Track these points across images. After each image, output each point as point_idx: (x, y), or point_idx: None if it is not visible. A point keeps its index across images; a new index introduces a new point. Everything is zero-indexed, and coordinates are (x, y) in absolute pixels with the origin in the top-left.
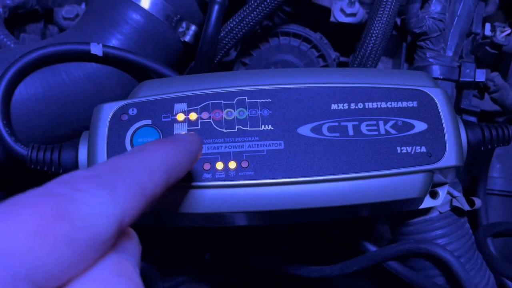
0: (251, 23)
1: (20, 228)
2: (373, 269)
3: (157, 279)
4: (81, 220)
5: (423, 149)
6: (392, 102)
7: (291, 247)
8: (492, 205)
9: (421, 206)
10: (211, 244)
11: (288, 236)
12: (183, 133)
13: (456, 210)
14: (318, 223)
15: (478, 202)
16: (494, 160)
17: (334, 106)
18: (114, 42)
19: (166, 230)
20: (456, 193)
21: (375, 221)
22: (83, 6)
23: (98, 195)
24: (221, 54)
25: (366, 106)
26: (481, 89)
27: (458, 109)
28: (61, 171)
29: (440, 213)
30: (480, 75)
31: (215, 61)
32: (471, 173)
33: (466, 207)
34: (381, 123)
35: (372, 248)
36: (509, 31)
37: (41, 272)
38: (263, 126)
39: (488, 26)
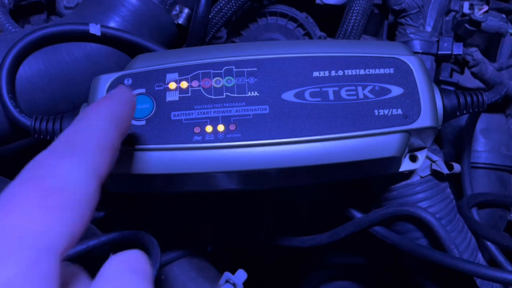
0: (239, 2)
1: (21, 212)
2: (363, 242)
3: (156, 248)
4: (65, 187)
5: (399, 111)
6: (370, 69)
7: (284, 223)
8: (476, 178)
9: (401, 169)
10: (207, 220)
11: (281, 213)
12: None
13: (436, 174)
14: (309, 198)
15: (457, 166)
16: (478, 134)
17: (315, 74)
18: (112, 24)
19: (164, 204)
20: (435, 158)
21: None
22: None
23: (67, 163)
24: (212, 33)
25: (346, 73)
26: (461, 63)
27: (437, 81)
28: None
29: (421, 177)
30: (457, 48)
31: (206, 40)
32: (456, 148)
33: (445, 170)
34: (359, 88)
35: (358, 214)
36: (486, 8)
37: (55, 241)
38: (249, 92)
39: (466, 4)
